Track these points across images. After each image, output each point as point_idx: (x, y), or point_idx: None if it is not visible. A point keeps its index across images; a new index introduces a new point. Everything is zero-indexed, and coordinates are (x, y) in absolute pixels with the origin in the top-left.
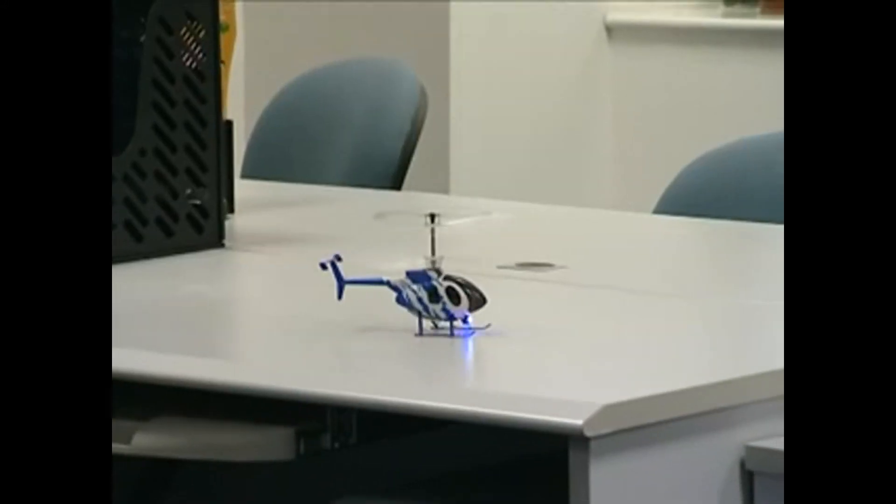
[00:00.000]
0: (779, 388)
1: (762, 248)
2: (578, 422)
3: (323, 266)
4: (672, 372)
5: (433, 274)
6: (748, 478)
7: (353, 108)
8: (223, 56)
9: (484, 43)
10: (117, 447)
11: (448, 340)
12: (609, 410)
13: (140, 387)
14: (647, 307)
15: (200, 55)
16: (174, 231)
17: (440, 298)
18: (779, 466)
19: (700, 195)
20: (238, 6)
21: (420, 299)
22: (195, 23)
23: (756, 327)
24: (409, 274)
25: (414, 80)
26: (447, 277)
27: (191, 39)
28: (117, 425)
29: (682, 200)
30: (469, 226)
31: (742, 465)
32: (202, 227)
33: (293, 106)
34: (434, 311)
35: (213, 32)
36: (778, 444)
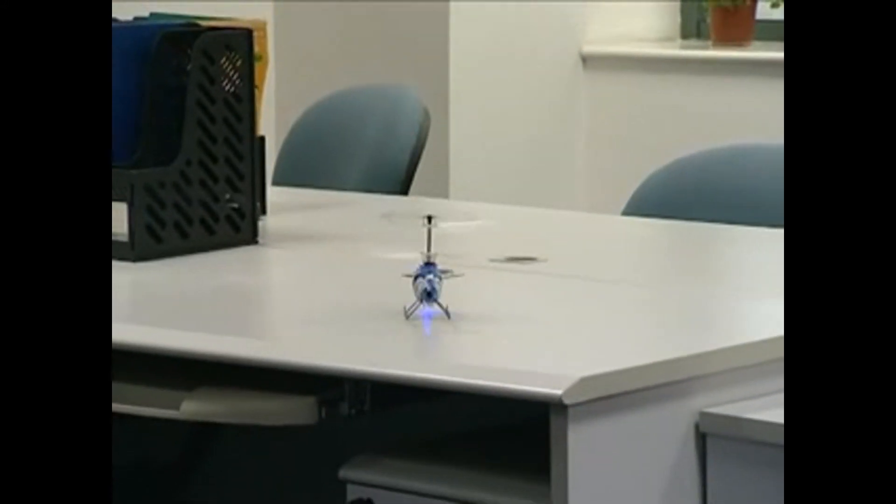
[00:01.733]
0: (728, 363)
1: (714, 245)
2: (558, 392)
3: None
4: (638, 349)
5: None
6: (701, 439)
7: (367, 126)
8: (257, 82)
9: (478, 71)
10: (168, 412)
11: (447, 323)
12: (584, 382)
13: (186, 361)
14: (616, 294)
15: (238, 81)
16: (215, 230)
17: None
18: (728, 430)
19: (661, 200)
20: (269, 39)
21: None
22: (233, 53)
23: (708, 311)
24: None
25: (418, 102)
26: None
27: (230, 68)
28: (167, 394)
29: (646, 204)
30: (463, 226)
31: (696, 428)
32: (239, 227)
33: (316, 124)
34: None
35: (248, 62)
36: (727, 410)
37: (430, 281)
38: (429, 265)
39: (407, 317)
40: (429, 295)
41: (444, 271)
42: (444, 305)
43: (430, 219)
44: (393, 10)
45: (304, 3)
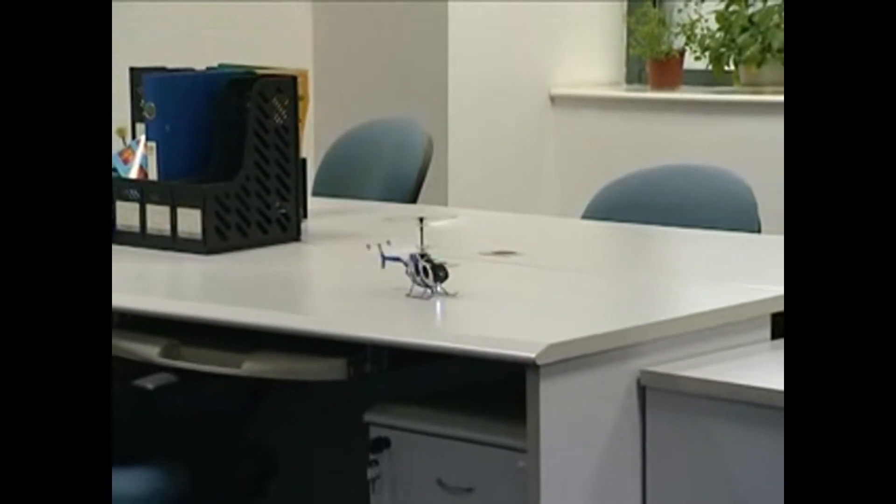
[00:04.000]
0: (663, 332)
1: (652, 242)
2: (532, 355)
3: (368, 246)
4: (594, 321)
5: (419, 258)
6: (642, 392)
7: (384, 150)
8: (300, 116)
9: (470, 108)
10: (231, 370)
11: (446, 301)
12: (553, 347)
13: (245, 331)
14: (577, 280)
15: (286, 116)
16: (268, 230)
17: (419, 271)
18: (663, 384)
19: (612, 207)
20: (310, 84)
21: (412, 271)
22: (283, 95)
23: (648, 292)
24: (410, 256)
25: (423, 132)
26: (428, 260)
27: (280, 106)
28: (230, 357)
29: (600, 210)
30: (451, 225)
31: (638, 382)
32: (286, 228)
33: (346, 149)
34: (418, 279)
35: (294, 101)
36: (662, 368)
37: (414, 260)
38: (415, 256)
39: (408, 294)
40: (418, 272)
41: (428, 260)
42: (432, 284)
43: (421, 220)
44: (404, 61)
45: (338, 56)
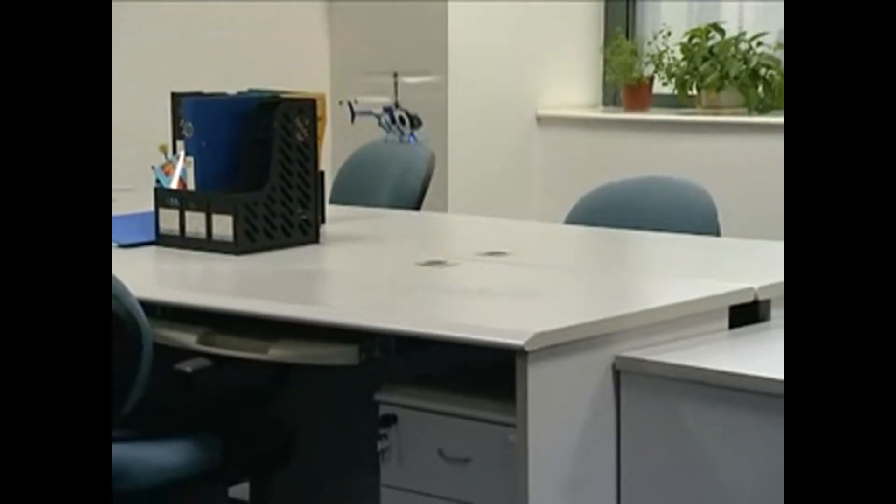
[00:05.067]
0: (636, 322)
1: (626, 244)
2: (521, 342)
3: (340, 102)
4: (575, 312)
5: (394, 108)
6: (617, 374)
7: (392, 164)
8: (319, 134)
9: (467, 126)
10: (258, 355)
11: (445, 297)
12: (539, 335)
13: (271, 321)
14: (560, 276)
15: (307, 134)
16: (291, 234)
17: (396, 120)
18: (635, 367)
19: (590, 213)
20: (328, 105)
21: (387, 121)
22: (304, 115)
23: (622, 287)
24: (384, 108)
25: (426, 148)
26: (402, 110)
27: (301, 125)
28: (258, 343)
29: (580, 216)
30: (425, 81)
31: (614, 366)
32: (307, 232)
33: (359, 163)
34: (394, 128)
35: (313, 121)
36: (634, 354)
37: (389, 112)
38: (391, 108)
39: (385, 141)
40: (392, 120)
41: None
42: (406, 131)
43: (395, 74)
44: (410, 87)
45: (352, 80)
